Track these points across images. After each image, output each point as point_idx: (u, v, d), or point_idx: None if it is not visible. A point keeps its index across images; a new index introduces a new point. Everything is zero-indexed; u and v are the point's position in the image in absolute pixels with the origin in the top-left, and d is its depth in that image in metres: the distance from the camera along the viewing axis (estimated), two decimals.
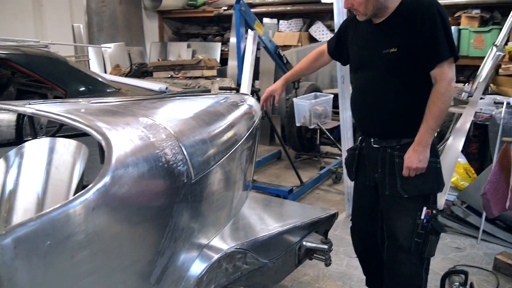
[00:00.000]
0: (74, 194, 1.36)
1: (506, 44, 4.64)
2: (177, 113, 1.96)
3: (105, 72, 6.78)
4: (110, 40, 7.43)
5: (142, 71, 6.20)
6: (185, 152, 1.57)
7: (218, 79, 5.58)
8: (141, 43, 8.08)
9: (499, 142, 3.46)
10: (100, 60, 7.11)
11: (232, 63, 6.56)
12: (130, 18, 7.86)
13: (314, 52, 2.54)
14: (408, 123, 2.09)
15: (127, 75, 6.04)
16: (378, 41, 2.07)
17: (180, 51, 8.13)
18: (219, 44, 7.83)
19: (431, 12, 1.94)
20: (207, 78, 5.55)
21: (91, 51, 7.01)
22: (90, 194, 1.14)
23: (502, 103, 3.82)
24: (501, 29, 4.83)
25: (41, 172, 1.54)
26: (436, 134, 2.09)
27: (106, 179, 1.19)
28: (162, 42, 8.43)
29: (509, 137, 3.23)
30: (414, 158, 1.99)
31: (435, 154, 2.08)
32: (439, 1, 2.03)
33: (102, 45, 7.06)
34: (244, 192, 2.34)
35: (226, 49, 7.51)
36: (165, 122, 1.65)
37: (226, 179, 1.96)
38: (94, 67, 6.95)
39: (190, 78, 5.53)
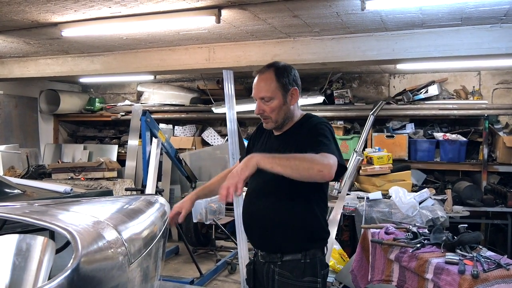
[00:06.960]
0: None
1: (363, 150, 5.73)
2: (110, 211, 2.39)
3: None
4: (3, 142, 7.44)
5: (39, 173, 6.32)
6: (125, 243, 2.00)
7: (119, 180, 5.93)
8: (36, 145, 8.16)
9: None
10: None
11: (130, 164, 6.95)
12: (25, 120, 7.99)
13: (225, 171, 2.58)
14: (290, 237, 2.10)
15: (23, 176, 6.11)
16: (274, 152, 2.08)
17: (75, 153, 8.30)
18: (116, 146, 8.18)
19: (320, 124, 2.08)
20: (108, 179, 5.87)
21: None
22: (69, 272, 1.53)
23: (363, 198, 4.73)
24: (360, 138, 5.97)
25: (8, 267, 1.84)
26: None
27: (78, 259, 1.59)
28: (57, 144, 8.57)
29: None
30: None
31: (314, 273, 2.10)
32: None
33: None
34: (159, 281, 2.73)
35: (123, 151, 7.91)
36: (106, 219, 2.08)
37: (151, 265, 2.37)
38: None
39: (91, 179, 5.81)
